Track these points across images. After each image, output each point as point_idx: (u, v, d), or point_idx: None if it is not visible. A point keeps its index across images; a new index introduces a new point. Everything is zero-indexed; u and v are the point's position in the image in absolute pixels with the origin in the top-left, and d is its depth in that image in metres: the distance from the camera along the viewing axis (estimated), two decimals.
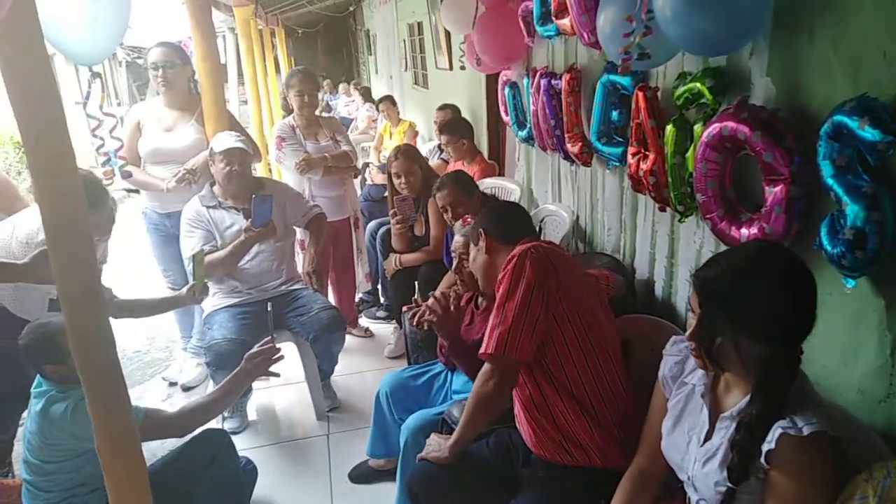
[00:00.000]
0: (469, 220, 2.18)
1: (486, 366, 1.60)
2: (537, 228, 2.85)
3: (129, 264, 4.20)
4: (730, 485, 1.13)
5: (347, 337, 3.04)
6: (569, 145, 2.55)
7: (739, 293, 1.10)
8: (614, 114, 2.22)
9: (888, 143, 1.10)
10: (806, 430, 1.04)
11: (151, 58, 2.92)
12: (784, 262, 1.12)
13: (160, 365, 3.59)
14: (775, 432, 1.07)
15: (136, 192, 3.24)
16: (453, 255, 2.18)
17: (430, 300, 2.00)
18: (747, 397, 1.16)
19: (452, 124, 3.84)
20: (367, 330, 3.75)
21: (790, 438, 1.06)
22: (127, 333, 3.78)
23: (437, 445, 1.75)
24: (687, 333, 1.19)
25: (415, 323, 2.06)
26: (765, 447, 1.08)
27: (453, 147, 3.75)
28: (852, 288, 1.25)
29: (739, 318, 1.10)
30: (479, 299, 2.18)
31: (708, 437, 1.23)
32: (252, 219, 2.63)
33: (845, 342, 1.33)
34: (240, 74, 6.70)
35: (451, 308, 2.00)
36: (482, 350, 1.58)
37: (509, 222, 1.84)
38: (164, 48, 2.93)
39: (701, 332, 1.15)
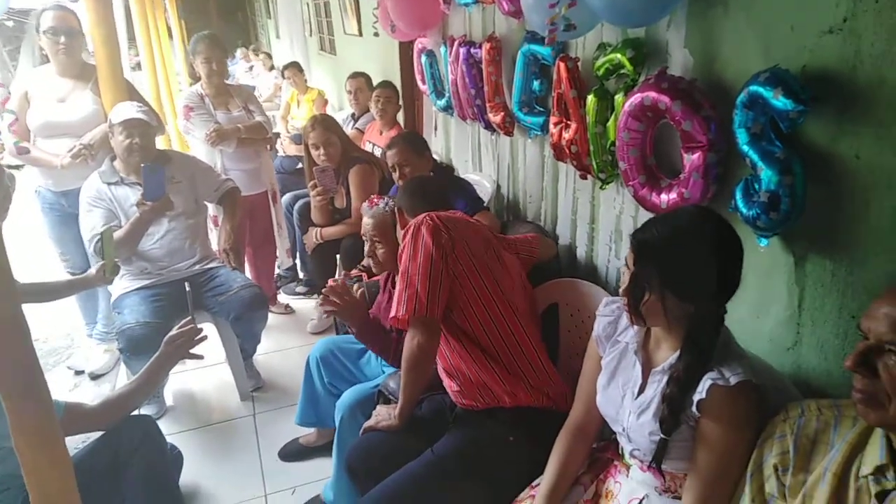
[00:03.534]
0: (376, 200, 2.15)
1: (408, 330, 1.68)
2: None
3: (19, 247, 3.86)
4: (662, 435, 1.21)
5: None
6: (490, 115, 2.57)
7: (669, 254, 1.18)
8: (535, 84, 2.26)
9: (799, 112, 1.18)
10: (733, 380, 1.14)
11: (48, 23, 2.65)
12: (714, 228, 1.20)
13: (62, 353, 3.35)
14: (705, 383, 1.16)
15: (20, 166, 2.96)
16: (364, 237, 2.15)
17: (327, 289, 1.99)
18: (677, 353, 1.24)
19: (389, 84, 3.76)
20: (287, 306, 3.67)
21: (719, 388, 1.15)
22: None
23: (385, 415, 1.78)
24: (621, 289, 1.26)
25: (324, 313, 2.06)
26: (696, 397, 1.17)
27: (389, 106, 3.64)
28: (764, 247, 1.35)
29: (667, 276, 1.18)
30: (397, 278, 2.18)
31: (641, 390, 1.31)
32: (143, 192, 2.48)
33: (757, 296, 1.45)
34: (130, 39, 6.21)
35: (351, 293, 2.03)
36: (393, 314, 1.66)
37: (420, 195, 1.93)
38: (62, 12, 2.68)
39: (632, 288, 1.22)
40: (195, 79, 3.32)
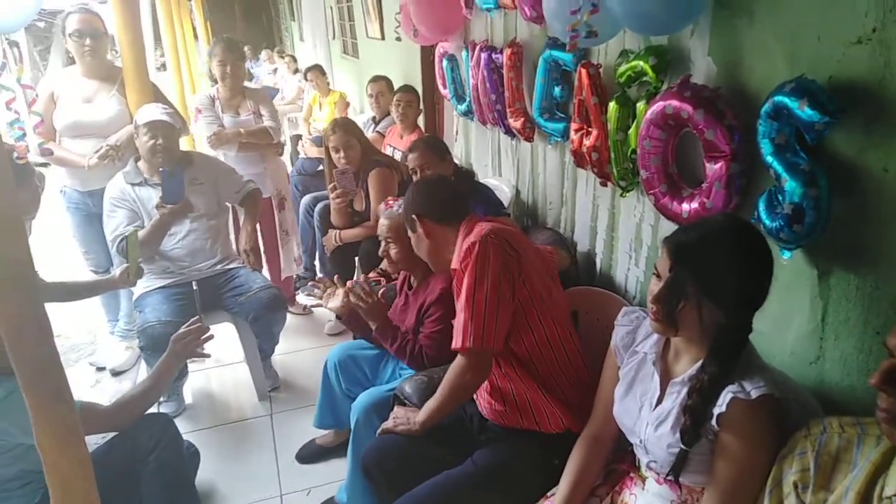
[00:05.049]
0: (391, 202, 2.15)
1: (462, 359, 1.61)
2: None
3: (44, 246, 3.93)
4: (682, 447, 1.20)
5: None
6: (511, 120, 2.56)
7: (709, 258, 1.15)
8: (556, 90, 2.25)
9: (825, 124, 1.16)
10: (754, 394, 1.12)
11: (74, 25, 2.70)
12: (750, 236, 1.18)
13: (85, 349, 3.41)
14: (726, 397, 1.14)
15: (45, 165, 3.02)
16: (380, 238, 2.17)
17: (355, 290, 2.04)
18: (697, 364, 1.23)
19: (411, 88, 3.77)
20: (305, 307, 3.69)
21: (740, 402, 1.13)
22: None
23: (404, 418, 1.75)
24: (652, 296, 1.21)
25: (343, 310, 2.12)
26: (716, 411, 1.15)
27: (410, 110, 3.65)
28: (788, 259, 1.33)
29: (706, 281, 1.15)
30: (412, 279, 2.19)
31: (659, 401, 1.29)
32: (161, 195, 2.51)
33: (779, 309, 1.42)
34: (155, 39, 6.31)
35: (374, 295, 2.05)
36: (455, 345, 1.59)
37: (443, 201, 1.83)
38: (87, 15, 2.72)
39: (667, 294, 1.18)
40: (214, 81, 3.38)
